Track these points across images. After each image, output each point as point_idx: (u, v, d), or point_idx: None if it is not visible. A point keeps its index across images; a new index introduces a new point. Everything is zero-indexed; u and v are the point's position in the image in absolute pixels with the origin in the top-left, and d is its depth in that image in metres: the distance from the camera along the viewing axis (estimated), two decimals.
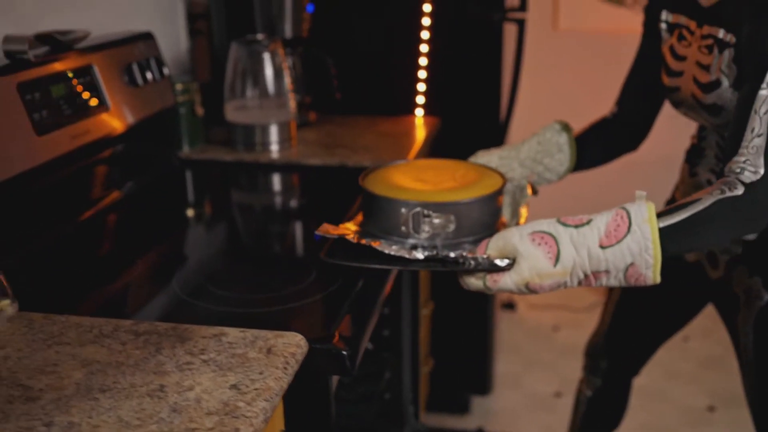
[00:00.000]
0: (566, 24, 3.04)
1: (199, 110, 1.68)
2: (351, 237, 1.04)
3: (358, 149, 1.68)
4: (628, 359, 1.63)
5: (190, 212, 1.52)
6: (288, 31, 1.82)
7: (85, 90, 1.32)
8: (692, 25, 1.24)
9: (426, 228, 1.06)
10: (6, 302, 0.94)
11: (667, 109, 1.40)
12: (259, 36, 1.68)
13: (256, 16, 1.78)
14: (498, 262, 0.95)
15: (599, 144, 1.42)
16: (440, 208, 1.07)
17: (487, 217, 1.11)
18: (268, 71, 1.66)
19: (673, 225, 0.96)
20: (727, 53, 1.15)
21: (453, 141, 1.97)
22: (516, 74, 1.98)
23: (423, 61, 1.94)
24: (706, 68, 1.19)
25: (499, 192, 1.14)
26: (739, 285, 1.29)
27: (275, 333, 0.89)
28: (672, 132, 2.10)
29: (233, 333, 0.90)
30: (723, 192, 0.99)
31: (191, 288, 1.09)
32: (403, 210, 1.07)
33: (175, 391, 0.78)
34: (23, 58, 1.19)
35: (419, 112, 1.99)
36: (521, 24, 1.95)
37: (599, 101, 3.21)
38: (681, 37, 1.27)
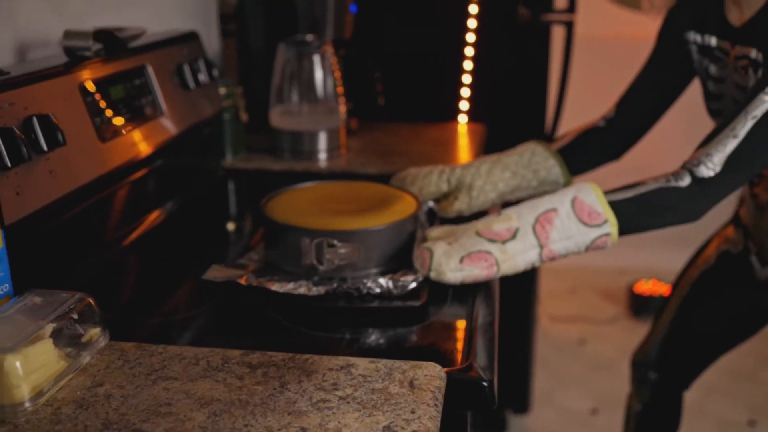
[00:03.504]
0: (583, 30, 2.97)
1: (244, 116, 1.57)
2: (243, 280, 0.97)
3: (414, 157, 1.58)
4: (680, 372, 1.57)
5: (247, 225, 1.41)
6: (330, 32, 1.71)
7: (140, 92, 1.21)
8: (726, 45, 1.19)
9: (331, 258, 0.96)
10: (96, 331, 0.82)
11: (704, 122, 1.33)
12: (309, 37, 1.58)
13: (299, 17, 1.67)
14: (403, 280, 0.95)
15: (587, 153, 1.37)
16: (346, 236, 0.97)
17: (399, 245, 1.01)
18: (318, 74, 1.55)
19: (616, 201, 1.00)
20: (760, 73, 1.10)
21: (498, 149, 1.87)
22: (564, 79, 1.90)
23: (468, 65, 1.85)
24: (743, 89, 1.15)
25: (413, 217, 1.03)
26: None
27: (411, 363, 0.79)
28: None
29: (363, 364, 0.79)
30: (668, 181, 1.02)
31: (286, 311, 0.98)
32: (306, 239, 0.97)
33: None
34: (84, 56, 1.07)
35: (462, 118, 1.89)
36: (569, 26, 1.87)
37: None
38: (716, 59, 1.22)
